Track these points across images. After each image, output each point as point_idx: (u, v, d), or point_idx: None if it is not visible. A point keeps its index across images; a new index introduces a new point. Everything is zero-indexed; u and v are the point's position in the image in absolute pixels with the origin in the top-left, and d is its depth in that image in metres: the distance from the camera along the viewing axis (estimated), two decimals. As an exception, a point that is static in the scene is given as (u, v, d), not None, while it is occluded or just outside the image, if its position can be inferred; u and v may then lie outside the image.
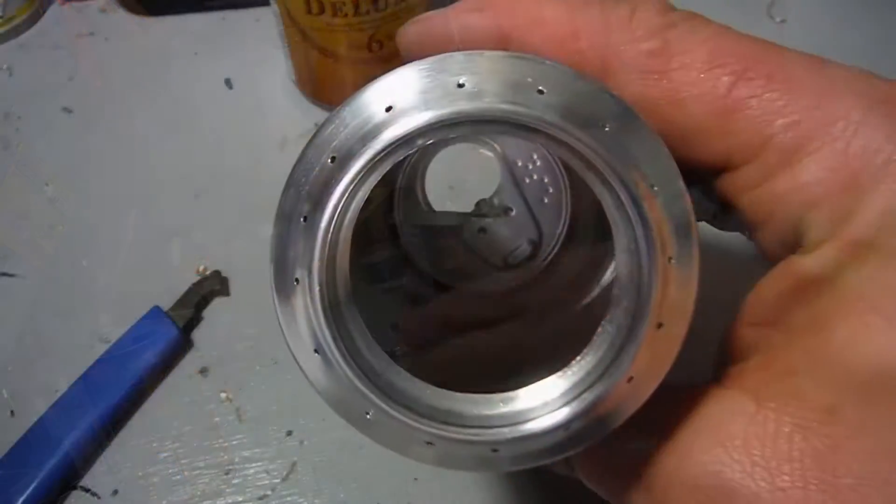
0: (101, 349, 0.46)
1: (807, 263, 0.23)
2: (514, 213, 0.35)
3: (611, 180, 0.21)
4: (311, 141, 0.22)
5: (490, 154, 0.35)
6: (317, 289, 0.22)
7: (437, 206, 0.37)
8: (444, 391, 0.24)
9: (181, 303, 0.48)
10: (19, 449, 0.42)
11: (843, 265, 0.22)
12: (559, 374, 0.24)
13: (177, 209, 0.54)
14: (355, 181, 0.21)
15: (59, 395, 0.44)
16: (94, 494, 0.43)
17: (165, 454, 0.44)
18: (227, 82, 0.61)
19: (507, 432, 0.23)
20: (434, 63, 0.22)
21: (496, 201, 0.35)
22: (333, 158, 0.22)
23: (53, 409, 0.43)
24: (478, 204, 0.36)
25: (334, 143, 0.22)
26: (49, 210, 0.54)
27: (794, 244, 0.23)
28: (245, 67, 0.61)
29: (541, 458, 0.23)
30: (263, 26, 0.63)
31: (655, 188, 0.21)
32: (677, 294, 0.22)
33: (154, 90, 0.60)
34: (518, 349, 0.33)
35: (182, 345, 0.47)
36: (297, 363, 0.23)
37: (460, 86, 0.21)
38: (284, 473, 0.44)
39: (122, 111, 0.59)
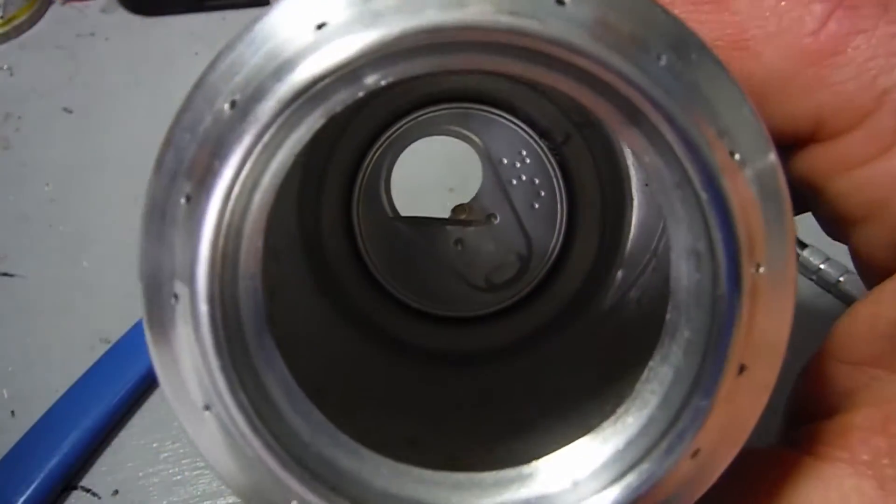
0: (101, 349, 0.46)
1: None
2: (497, 221, 0.30)
3: (670, 138, 0.14)
4: (200, 79, 0.15)
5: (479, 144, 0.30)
6: (204, 309, 0.14)
7: (436, 212, 0.32)
8: (409, 469, 0.16)
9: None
10: (20, 449, 0.42)
11: None
12: (585, 441, 0.16)
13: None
14: (266, 136, 0.14)
15: (59, 395, 0.44)
16: (94, 494, 0.43)
17: (166, 454, 0.44)
18: (228, 82, 0.61)
19: None
20: None
21: (476, 206, 0.30)
22: (233, 103, 0.14)
23: (54, 410, 0.43)
24: (454, 210, 0.30)
25: (236, 80, 0.14)
26: (49, 210, 0.54)
27: None
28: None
29: None
30: (264, 26, 0.63)
31: (738, 156, 0.14)
32: (768, 320, 0.15)
33: (154, 90, 0.60)
34: (515, 395, 0.26)
35: (182, 345, 0.47)
36: (182, 426, 0.16)
37: None
38: (285, 473, 0.43)
39: (122, 111, 0.59)
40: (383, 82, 0.14)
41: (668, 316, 0.16)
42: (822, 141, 0.17)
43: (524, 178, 0.30)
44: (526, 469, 0.16)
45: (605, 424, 0.16)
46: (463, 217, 0.30)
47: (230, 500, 0.42)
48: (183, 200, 0.14)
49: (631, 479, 0.15)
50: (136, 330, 0.46)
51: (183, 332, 0.15)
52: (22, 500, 0.40)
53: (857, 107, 0.16)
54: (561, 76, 0.14)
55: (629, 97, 0.14)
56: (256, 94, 0.14)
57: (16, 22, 0.63)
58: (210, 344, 0.15)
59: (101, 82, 0.61)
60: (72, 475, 0.43)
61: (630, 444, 0.16)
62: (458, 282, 0.30)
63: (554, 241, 0.30)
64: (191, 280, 0.14)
